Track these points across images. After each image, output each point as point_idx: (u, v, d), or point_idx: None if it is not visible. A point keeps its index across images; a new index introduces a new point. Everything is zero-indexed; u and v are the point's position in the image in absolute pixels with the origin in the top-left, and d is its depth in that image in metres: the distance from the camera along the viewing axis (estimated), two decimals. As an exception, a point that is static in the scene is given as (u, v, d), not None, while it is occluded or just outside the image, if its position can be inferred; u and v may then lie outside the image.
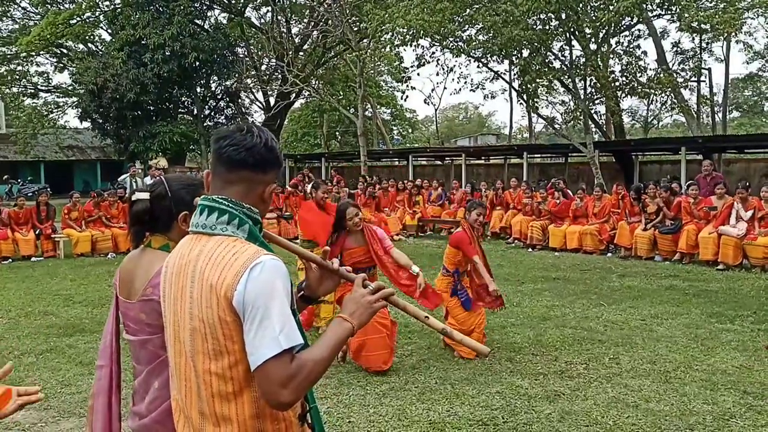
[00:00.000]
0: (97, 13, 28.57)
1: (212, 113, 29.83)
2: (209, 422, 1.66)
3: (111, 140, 28.76)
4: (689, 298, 8.46)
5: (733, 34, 22.70)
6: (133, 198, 2.27)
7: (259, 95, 33.40)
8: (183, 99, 28.57)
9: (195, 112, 28.41)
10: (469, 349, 5.85)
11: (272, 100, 30.76)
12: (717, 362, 5.72)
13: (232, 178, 1.72)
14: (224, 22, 29.54)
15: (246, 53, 30.75)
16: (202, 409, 1.67)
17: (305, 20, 30.49)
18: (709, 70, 29.90)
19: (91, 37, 31.04)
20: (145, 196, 2.24)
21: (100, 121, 27.43)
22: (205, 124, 28.20)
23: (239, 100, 30.95)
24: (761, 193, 11.18)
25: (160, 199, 2.24)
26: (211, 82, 29.09)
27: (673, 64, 23.62)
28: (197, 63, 25.51)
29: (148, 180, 15.83)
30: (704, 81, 29.97)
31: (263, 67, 32.00)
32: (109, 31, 29.24)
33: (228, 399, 1.64)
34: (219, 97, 29.85)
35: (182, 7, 24.82)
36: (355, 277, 1.84)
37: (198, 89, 28.09)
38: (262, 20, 31.66)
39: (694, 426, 4.35)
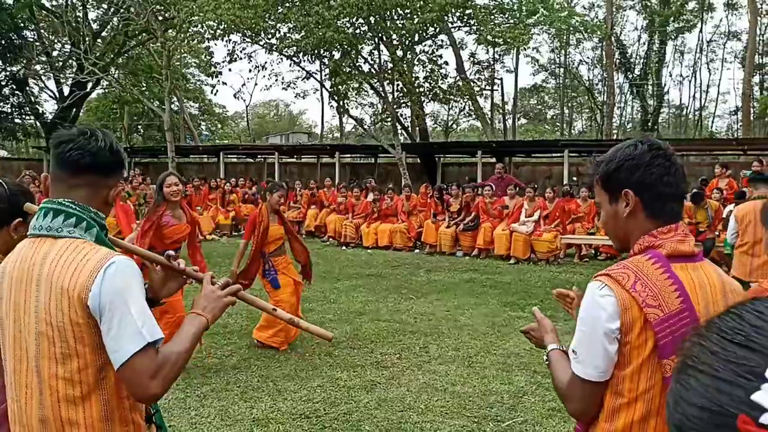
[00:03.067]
0: None
1: (-5, 101, 26.85)
2: (52, 429, 1.64)
3: None
4: (487, 290, 9.30)
5: (522, 48, 25.16)
6: None
7: (51, 83, 30.59)
8: (-41, 84, 25.39)
9: (-26, 99, 25.38)
10: (281, 341, 6.09)
11: (66, 89, 28.33)
12: (511, 346, 6.40)
13: (77, 182, 1.71)
14: (10, 2, 26.62)
15: (36, 37, 27.97)
16: (44, 416, 1.64)
17: (104, 5, 28.44)
18: (501, 80, 32.83)
19: None
20: None
21: None
22: (-14, 112, 25.30)
23: (27, 88, 28.13)
24: (546, 194, 12.60)
25: None
26: (-6, 66, 26.15)
27: (470, 73, 25.50)
28: (-23, 45, 22.80)
29: None
30: (497, 90, 32.84)
31: (56, 53, 29.36)
32: None
33: (75, 403, 1.63)
34: (3, 83, 26.90)
35: (-42, -18, 22.02)
36: (203, 276, 1.91)
37: (-22, 74, 25.12)
38: (55, 3, 29.02)
39: (494, 404, 4.86)
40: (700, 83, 35.43)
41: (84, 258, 1.62)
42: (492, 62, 31.65)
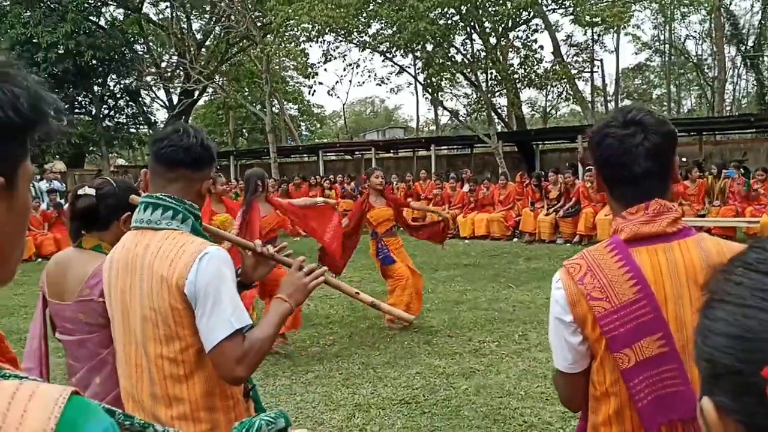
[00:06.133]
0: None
1: (111, 113, 28.75)
2: (161, 404, 1.78)
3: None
4: (589, 276, 9.05)
5: (623, 26, 24.17)
6: (79, 193, 2.31)
7: (161, 93, 32.43)
8: (80, 99, 27.39)
9: (93, 112, 27.28)
10: (396, 316, 6.21)
11: (175, 98, 29.98)
12: (614, 332, 6.22)
13: (173, 176, 1.84)
14: (121, 18, 28.48)
15: (145, 50, 29.78)
16: (153, 392, 1.78)
17: (206, 16, 29.84)
18: (601, 61, 31.64)
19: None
20: (92, 192, 2.29)
21: (-9, 123, 25.77)
22: (104, 124, 27.15)
23: (140, 99, 29.98)
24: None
25: (107, 198, 2.30)
26: (110, 80, 27.99)
27: (567, 56, 24.77)
28: (94, 61, 24.53)
29: (45, 185, 15.14)
30: (597, 72, 31.70)
31: (164, 65, 31.11)
32: (-3, 29, 27.49)
33: (180, 380, 1.76)
34: (118, 96, 28.80)
35: (75, 4, 23.71)
36: (291, 262, 2.00)
37: (96, 88, 26.97)
38: (161, 16, 30.75)
39: (596, 390, 4.76)
40: (824, 51, 32.51)
41: (181, 248, 1.74)
42: (590, 43, 30.60)
